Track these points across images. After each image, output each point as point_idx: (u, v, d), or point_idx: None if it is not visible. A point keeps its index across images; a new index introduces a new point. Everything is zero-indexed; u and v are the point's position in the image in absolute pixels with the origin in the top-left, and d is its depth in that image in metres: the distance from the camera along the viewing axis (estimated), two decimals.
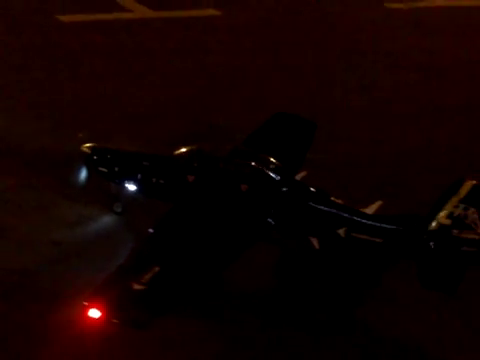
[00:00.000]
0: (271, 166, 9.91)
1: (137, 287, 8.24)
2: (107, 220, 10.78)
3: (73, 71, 15.96)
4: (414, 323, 9.65)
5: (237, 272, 9.74)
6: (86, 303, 7.97)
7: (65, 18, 18.63)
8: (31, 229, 10.71)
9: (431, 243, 9.32)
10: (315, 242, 9.86)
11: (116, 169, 10.31)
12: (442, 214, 9.37)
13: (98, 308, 7.91)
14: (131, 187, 10.36)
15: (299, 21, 20.50)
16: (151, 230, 9.32)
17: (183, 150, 10.15)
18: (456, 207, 9.37)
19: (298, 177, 10.04)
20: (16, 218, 10.94)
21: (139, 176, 10.20)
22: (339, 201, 9.79)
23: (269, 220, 9.75)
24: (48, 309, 9.04)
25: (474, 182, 9.44)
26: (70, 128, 12.87)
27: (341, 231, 9.62)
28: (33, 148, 12.76)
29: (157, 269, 8.48)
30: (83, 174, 10.60)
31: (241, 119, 13.68)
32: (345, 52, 18.42)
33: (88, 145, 10.52)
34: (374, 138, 14.27)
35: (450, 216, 9.33)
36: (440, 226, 9.32)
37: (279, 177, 9.77)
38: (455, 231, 9.30)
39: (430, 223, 9.37)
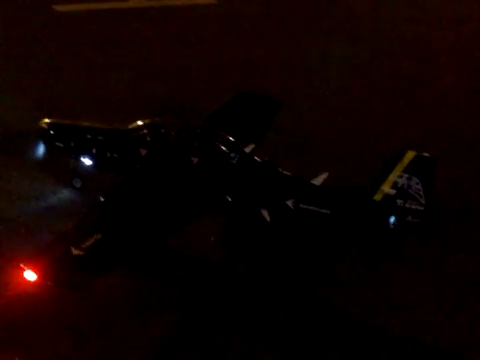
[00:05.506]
0: (221, 139, 10.05)
1: (76, 252, 8.39)
2: (66, 195, 10.94)
3: (70, 60, 16.18)
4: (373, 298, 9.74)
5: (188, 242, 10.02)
6: (23, 265, 8.14)
7: (61, 8, 18.99)
8: None
9: (376, 213, 9.45)
10: (266, 214, 10.04)
11: (72, 144, 10.52)
12: (386, 184, 9.49)
13: (34, 270, 8.07)
14: (87, 162, 10.57)
15: (297, 8, 20.63)
16: (102, 199, 9.54)
17: (137, 124, 10.34)
18: (400, 177, 9.47)
19: (247, 149, 10.15)
20: None
21: (94, 150, 10.42)
22: (287, 172, 9.93)
23: (222, 193, 9.92)
24: None
25: (415, 152, 9.54)
26: (69, 118, 12.95)
27: (289, 202, 9.76)
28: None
29: (99, 236, 8.67)
30: (40, 150, 10.82)
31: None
32: (343, 39, 18.52)
33: (45, 121, 10.77)
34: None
35: (394, 186, 9.44)
36: (385, 196, 9.44)
37: (229, 150, 9.93)
38: (399, 201, 9.41)
39: (375, 193, 9.48)
